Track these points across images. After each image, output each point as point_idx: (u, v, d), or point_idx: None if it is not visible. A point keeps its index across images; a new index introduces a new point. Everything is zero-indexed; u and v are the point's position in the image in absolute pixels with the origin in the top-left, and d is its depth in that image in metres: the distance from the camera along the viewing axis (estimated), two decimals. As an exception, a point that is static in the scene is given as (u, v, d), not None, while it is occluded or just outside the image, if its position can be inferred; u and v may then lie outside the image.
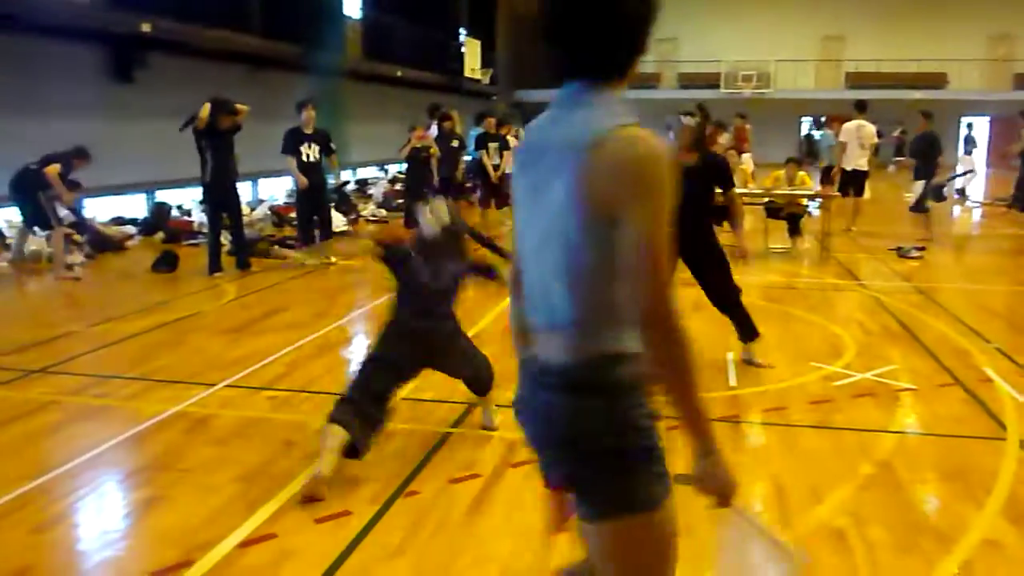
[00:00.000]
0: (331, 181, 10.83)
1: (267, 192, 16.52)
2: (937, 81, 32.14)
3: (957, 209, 17.28)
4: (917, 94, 29.79)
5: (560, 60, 1.71)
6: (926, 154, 11.56)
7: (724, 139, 15.54)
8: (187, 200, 13.79)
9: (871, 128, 12.35)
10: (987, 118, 30.93)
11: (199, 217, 12.47)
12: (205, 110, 8.84)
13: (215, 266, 9.19)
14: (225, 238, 9.59)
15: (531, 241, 1.79)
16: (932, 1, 32.33)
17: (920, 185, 11.42)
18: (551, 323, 1.76)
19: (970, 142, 20.65)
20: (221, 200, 9.26)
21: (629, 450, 1.71)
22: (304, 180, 9.61)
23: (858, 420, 4.76)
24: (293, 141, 9.70)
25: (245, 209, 11.59)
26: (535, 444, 1.88)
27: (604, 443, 1.70)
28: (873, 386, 5.32)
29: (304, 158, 9.67)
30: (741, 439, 4.49)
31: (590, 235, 1.63)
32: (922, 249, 10.59)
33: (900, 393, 5.20)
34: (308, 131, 9.74)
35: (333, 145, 10.09)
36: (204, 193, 9.48)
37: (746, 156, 13.90)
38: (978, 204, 18.13)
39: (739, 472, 4.14)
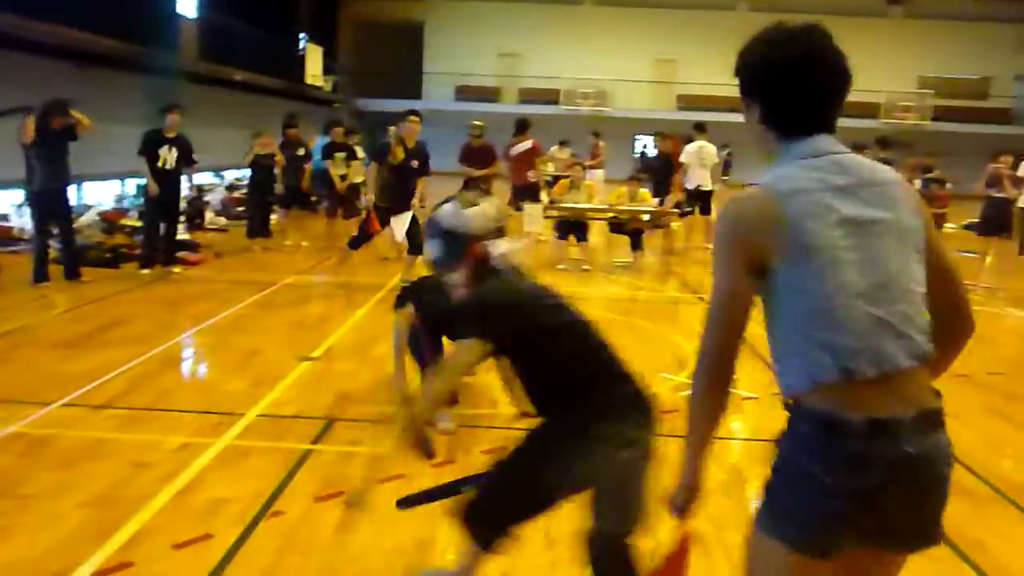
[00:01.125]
0: (185, 190, 10.43)
1: (94, 197, 15.58)
2: (759, 106, 34.22)
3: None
4: (741, 117, 31.58)
5: (820, 118, 1.92)
6: (663, 172, 12.60)
7: (564, 155, 15.99)
8: (4, 203, 12.79)
9: (712, 148, 12.98)
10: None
11: (20, 222, 11.61)
12: (30, 125, 8.25)
13: (41, 275, 8.58)
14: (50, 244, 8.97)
15: (866, 276, 1.76)
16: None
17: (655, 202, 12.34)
18: (917, 354, 1.77)
19: None
20: (50, 206, 8.66)
21: None
22: (155, 187, 9.23)
23: (708, 428, 4.99)
24: (152, 144, 9.30)
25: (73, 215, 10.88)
26: (916, 499, 1.78)
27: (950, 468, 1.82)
28: (719, 395, 5.58)
29: (161, 163, 9.30)
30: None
31: (926, 256, 1.86)
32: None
33: (743, 402, 5.49)
34: (170, 135, 9.38)
35: (195, 156, 9.77)
36: (32, 198, 8.83)
37: (598, 172, 14.32)
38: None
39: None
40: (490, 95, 34.16)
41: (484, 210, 2.73)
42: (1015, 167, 11.33)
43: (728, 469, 4.35)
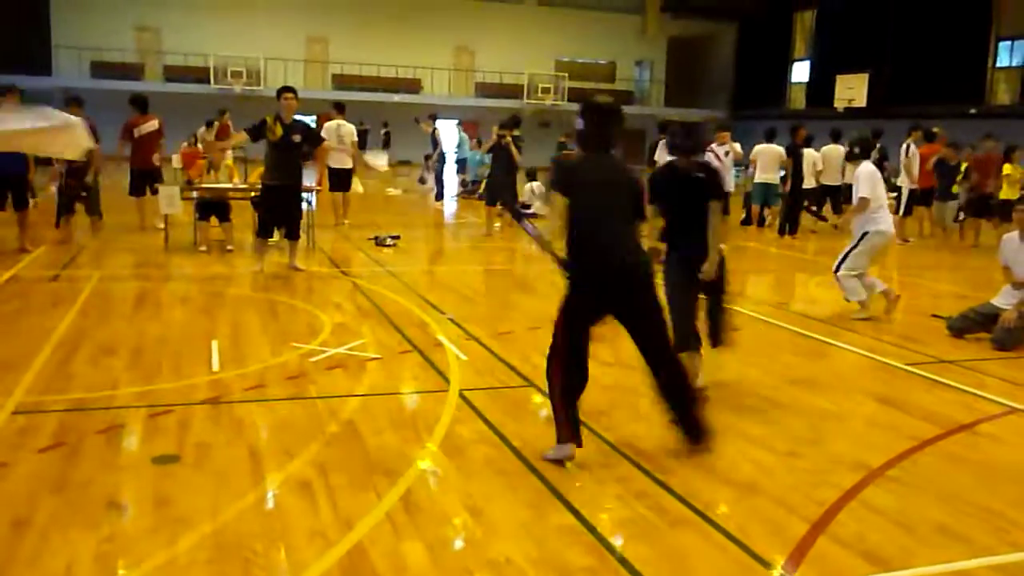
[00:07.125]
0: None
1: None
2: (413, 86, 35.30)
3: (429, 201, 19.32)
4: (397, 97, 32.50)
5: None
6: None
7: (211, 136, 15.56)
8: None
9: (350, 127, 13.44)
10: (455, 121, 34.78)
11: None
12: None
13: None
14: None
15: None
16: (404, 13, 35.29)
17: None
18: None
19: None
20: None
21: None
22: None
23: (329, 389, 5.31)
24: None
25: None
26: None
27: None
28: (344, 359, 5.93)
29: None
30: (221, 417, 4.74)
31: None
32: (396, 238, 11.75)
33: (367, 362, 5.87)
34: None
35: None
36: None
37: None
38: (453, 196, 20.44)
39: (214, 448, 4.37)
40: (132, 72, 32.02)
41: None
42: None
43: (342, 423, 4.68)
